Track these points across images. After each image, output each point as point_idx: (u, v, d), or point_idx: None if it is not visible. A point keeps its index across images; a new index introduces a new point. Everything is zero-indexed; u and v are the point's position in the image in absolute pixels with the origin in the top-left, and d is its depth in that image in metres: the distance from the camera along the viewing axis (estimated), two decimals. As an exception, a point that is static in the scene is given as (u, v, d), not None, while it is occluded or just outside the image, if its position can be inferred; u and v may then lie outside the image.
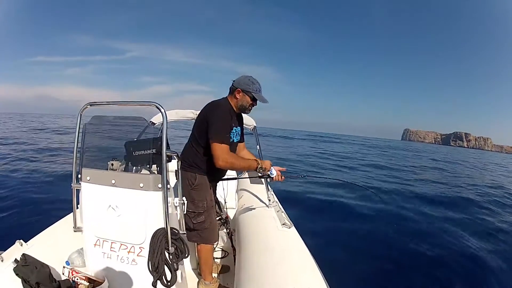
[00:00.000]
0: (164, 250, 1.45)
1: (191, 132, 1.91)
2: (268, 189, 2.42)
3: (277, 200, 2.38)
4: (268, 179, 1.96)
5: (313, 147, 25.89)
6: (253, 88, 1.83)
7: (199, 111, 2.84)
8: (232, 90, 1.86)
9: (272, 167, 1.93)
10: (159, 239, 1.44)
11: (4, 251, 1.69)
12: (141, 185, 1.46)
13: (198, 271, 2.07)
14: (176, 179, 1.64)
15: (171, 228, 1.46)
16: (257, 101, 1.89)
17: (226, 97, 1.90)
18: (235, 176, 2.34)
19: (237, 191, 2.82)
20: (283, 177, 1.96)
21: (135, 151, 1.57)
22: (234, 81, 1.87)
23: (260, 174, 1.95)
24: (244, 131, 2.92)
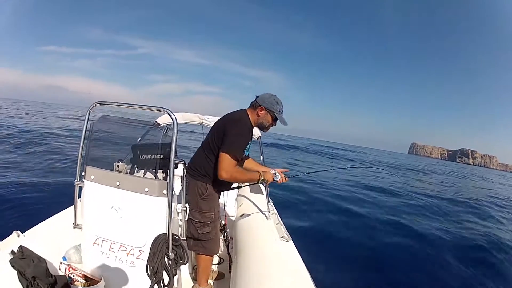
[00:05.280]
0: (164, 256, 1.46)
1: (205, 139, 1.86)
2: (268, 201, 2.43)
3: (276, 212, 2.38)
4: (273, 183, 1.93)
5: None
6: (277, 108, 1.79)
7: (205, 115, 2.82)
8: (255, 106, 1.81)
9: (275, 170, 1.92)
10: (160, 244, 1.45)
11: (0, 241, 1.68)
12: (146, 189, 1.47)
13: (193, 275, 2.08)
14: (181, 185, 1.64)
15: (173, 234, 1.48)
16: (277, 122, 1.86)
17: (245, 110, 1.85)
18: (239, 185, 2.35)
19: (236, 199, 2.83)
20: (287, 178, 1.94)
21: (142, 154, 1.57)
22: (257, 97, 1.82)
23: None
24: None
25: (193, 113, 2.86)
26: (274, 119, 1.84)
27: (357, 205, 7.00)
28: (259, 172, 1.83)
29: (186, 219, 1.61)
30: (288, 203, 6.05)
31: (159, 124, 2.77)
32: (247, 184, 2.19)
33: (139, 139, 1.79)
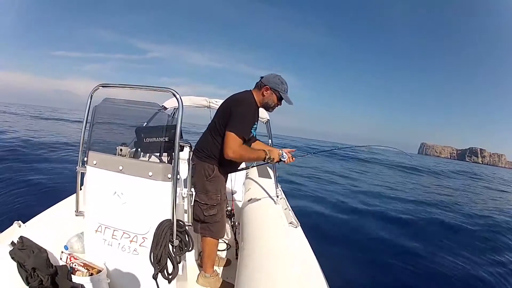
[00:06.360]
0: (168, 243, 1.40)
1: (211, 121, 1.87)
2: (276, 185, 2.39)
3: (284, 197, 2.34)
4: (280, 163, 1.91)
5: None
6: (281, 88, 1.81)
7: (212, 99, 2.81)
8: (260, 86, 1.82)
9: (282, 150, 1.90)
10: (164, 231, 1.39)
11: (1, 232, 1.63)
12: (150, 174, 1.41)
13: (199, 262, 2.03)
14: (188, 169, 1.59)
15: (177, 220, 1.42)
16: (282, 102, 1.87)
17: (250, 90, 1.86)
18: (246, 165, 2.28)
19: (244, 183, 2.78)
20: (293, 158, 1.94)
21: (146, 137, 1.52)
22: (262, 77, 1.83)
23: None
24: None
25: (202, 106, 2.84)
26: (279, 99, 1.84)
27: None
28: (264, 150, 1.80)
29: (192, 204, 1.55)
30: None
31: (166, 108, 2.75)
32: (255, 165, 2.15)
33: (145, 123, 1.76)
